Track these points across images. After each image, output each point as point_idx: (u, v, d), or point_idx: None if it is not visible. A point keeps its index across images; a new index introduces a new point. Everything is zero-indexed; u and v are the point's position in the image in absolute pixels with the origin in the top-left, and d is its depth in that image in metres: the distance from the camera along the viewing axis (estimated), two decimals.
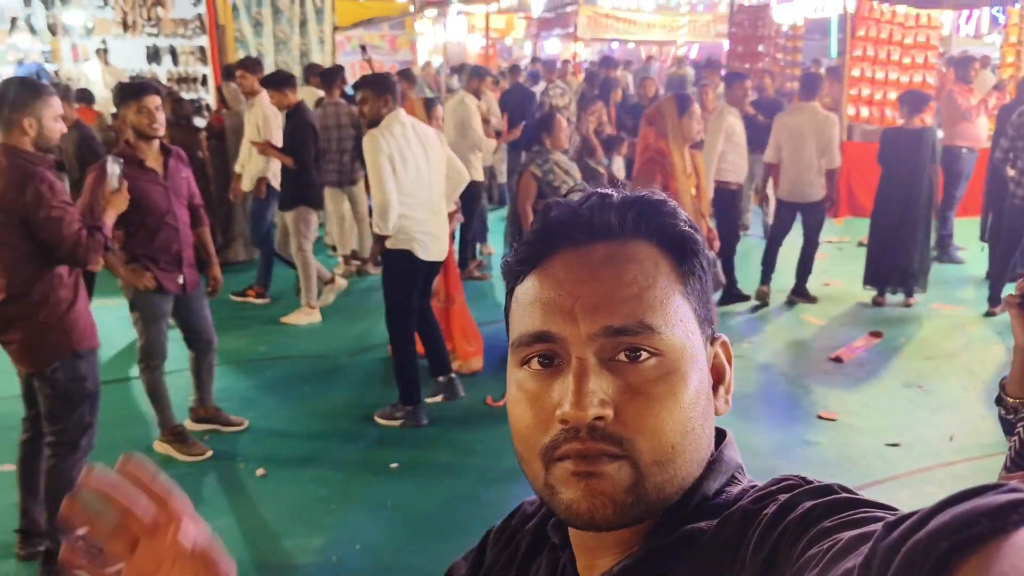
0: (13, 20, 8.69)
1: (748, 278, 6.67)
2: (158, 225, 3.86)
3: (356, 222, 7.61)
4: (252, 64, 6.79)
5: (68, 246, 3.00)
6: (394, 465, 4.09)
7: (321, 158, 6.59)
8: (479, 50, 17.51)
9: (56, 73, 10.18)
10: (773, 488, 0.67)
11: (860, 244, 7.65)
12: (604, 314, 0.68)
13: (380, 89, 4.27)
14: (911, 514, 0.45)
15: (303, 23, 9.66)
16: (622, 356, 0.68)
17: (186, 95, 8.61)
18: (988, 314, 6.13)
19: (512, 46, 26.87)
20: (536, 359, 0.71)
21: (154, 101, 3.72)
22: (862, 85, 8.56)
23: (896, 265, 6.29)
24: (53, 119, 3.06)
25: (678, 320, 0.70)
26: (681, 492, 0.70)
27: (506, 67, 15.48)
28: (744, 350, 5.60)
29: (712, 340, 0.76)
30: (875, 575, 0.44)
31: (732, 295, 6.47)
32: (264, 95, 6.36)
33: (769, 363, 5.48)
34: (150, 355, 4.09)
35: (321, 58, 9.61)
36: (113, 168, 3.37)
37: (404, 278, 4.45)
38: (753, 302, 6.56)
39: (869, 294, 6.58)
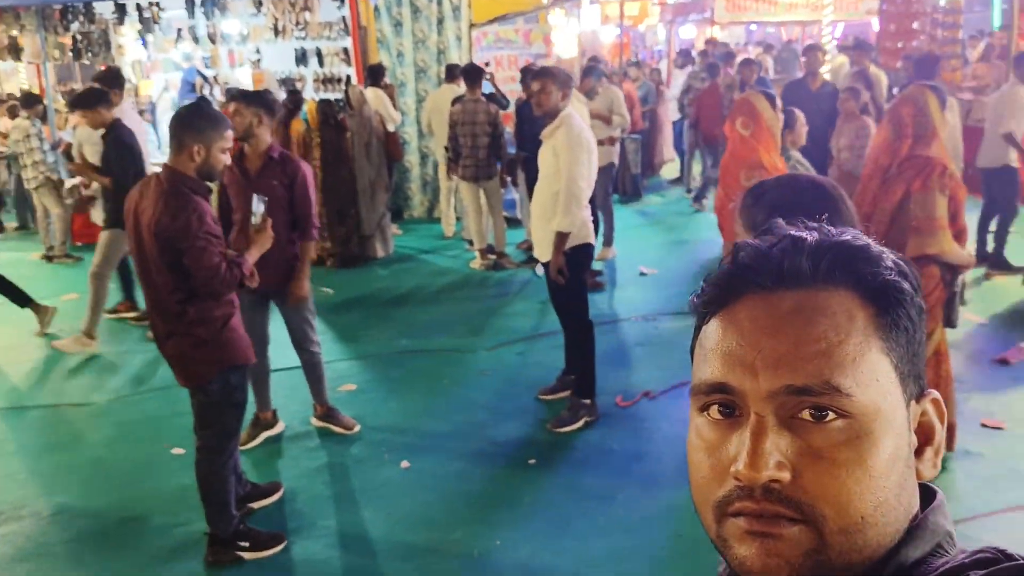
0: (179, 31, 9.30)
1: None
2: (235, 222, 4.09)
3: (491, 216, 7.72)
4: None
5: (204, 276, 3.08)
6: (532, 461, 4.15)
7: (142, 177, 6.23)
8: (614, 39, 17.32)
9: (215, 77, 10.85)
10: (967, 562, 0.63)
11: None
12: (786, 371, 0.64)
13: (561, 83, 4.31)
14: None
15: (441, 21, 9.85)
16: (806, 414, 0.64)
17: (331, 95, 8.98)
18: None
19: (645, 33, 26.41)
20: (716, 407, 0.68)
21: (231, 107, 3.99)
22: None
23: None
24: (221, 151, 3.19)
25: (872, 380, 0.65)
26: (870, 561, 0.65)
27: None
28: None
29: (919, 397, 0.70)
30: None
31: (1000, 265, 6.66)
32: None
33: None
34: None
35: (458, 55, 9.77)
36: (258, 206, 3.43)
37: (584, 270, 4.56)
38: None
39: None
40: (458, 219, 9.01)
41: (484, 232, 7.79)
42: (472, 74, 7.48)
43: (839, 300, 0.67)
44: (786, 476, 0.63)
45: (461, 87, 7.79)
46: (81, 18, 8.60)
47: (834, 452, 0.63)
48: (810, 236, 0.70)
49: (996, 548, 0.63)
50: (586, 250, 4.45)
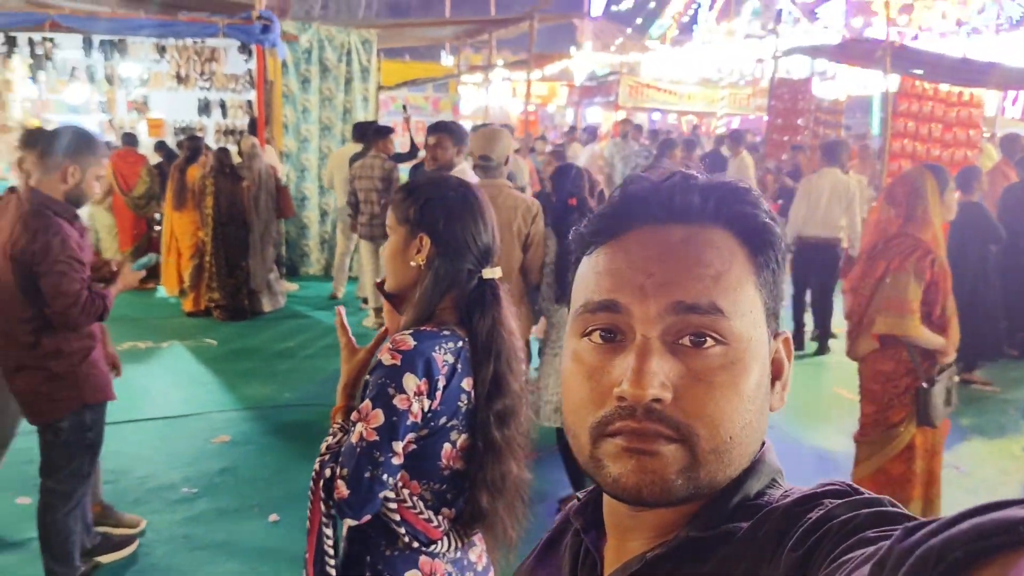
0: (73, 69, 9.02)
1: None
2: None
3: None
4: None
5: (62, 304, 2.84)
6: None
7: None
8: (520, 115, 17.83)
9: (110, 122, 10.53)
10: (819, 492, 0.64)
11: None
12: (676, 290, 0.66)
13: (457, 138, 4.36)
14: (932, 520, 0.44)
15: (349, 81, 9.92)
16: (686, 340, 0.66)
17: (233, 147, 8.83)
18: None
19: (554, 113, 27.37)
20: (598, 332, 0.69)
21: None
22: (903, 160, 8.49)
23: (984, 337, 6.09)
24: (95, 177, 3.01)
25: (748, 310, 0.68)
26: (729, 481, 0.68)
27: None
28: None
29: (775, 335, 0.74)
30: None
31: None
32: None
33: (791, 431, 5.34)
34: None
35: (364, 115, 9.82)
36: (153, 257, 3.56)
37: None
38: None
39: None
40: (353, 278, 8.87)
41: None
42: (374, 132, 7.47)
43: (722, 237, 0.70)
44: (668, 396, 0.65)
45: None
46: None
47: (712, 375, 0.66)
48: (700, 175, 0.72)
49: (845, 482, 0.65)
50: None
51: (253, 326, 7.64)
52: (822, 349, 6.95)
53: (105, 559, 3.53)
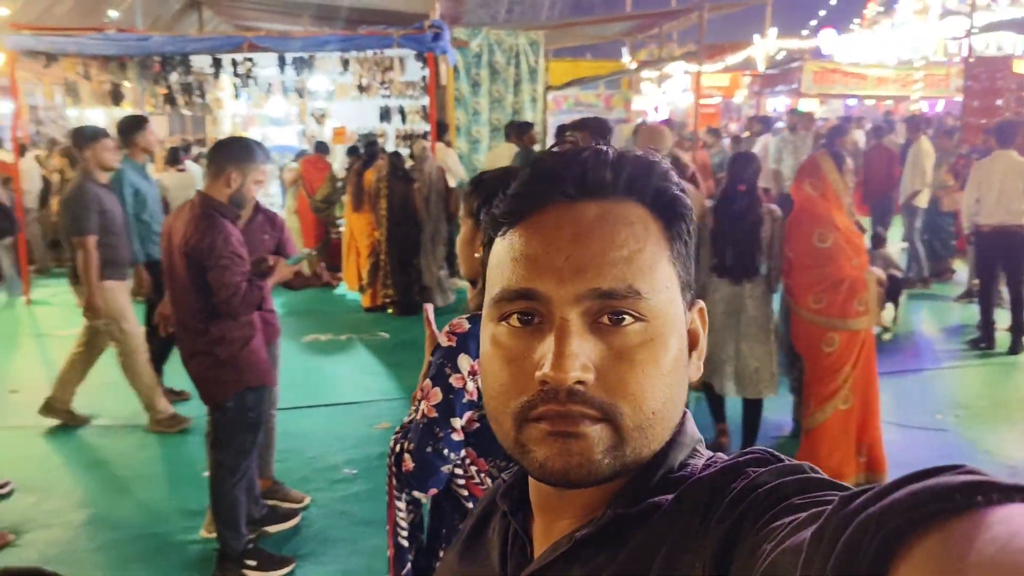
0: (270, 85, 9.87)
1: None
2: None
3: None
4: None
5: (225, 295, 3.18)
6: None
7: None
8: (689, 108, 17.47)
9: (303, 132, 11.43)
10: (741, 460, 0.65)
11: None
12: (592, 275, 0.66)
13: (597, 134, 4.40)
14: (868, 488, 0.45)
15: (518, 83, 10.18)
16: (605, 319, 0.66)
17: (407, 151, 9.33)
18: None
19: (742, 104, 26.49)
20: (516, 316, 0.69)
21: None
22: None
23: None
24: (254, 182, 3.37)
25: (664, 286, 0.68)
26: (653, 455, 0.69)
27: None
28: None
29: (690, 306, 0.74)
30: (825, 545, 0.44)
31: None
32: None
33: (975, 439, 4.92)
34: None
35: (533, 116, 10.04)
36: (309, 253, 3.94)
37: None
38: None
39: None
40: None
41: None
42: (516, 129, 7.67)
43: (636, 211, 0.69)
44: (591, 377, 0.65)
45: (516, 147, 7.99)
46: (180, 69, 9.20)
47: (632, 353, 0.66)
48: (610, 150, 0.71)
49: (766, 449, 0.67)
50: None
51: (423, 320, 8.02)
52: (1015, 347, 6.33)
53: (271, 529, 3.91)
